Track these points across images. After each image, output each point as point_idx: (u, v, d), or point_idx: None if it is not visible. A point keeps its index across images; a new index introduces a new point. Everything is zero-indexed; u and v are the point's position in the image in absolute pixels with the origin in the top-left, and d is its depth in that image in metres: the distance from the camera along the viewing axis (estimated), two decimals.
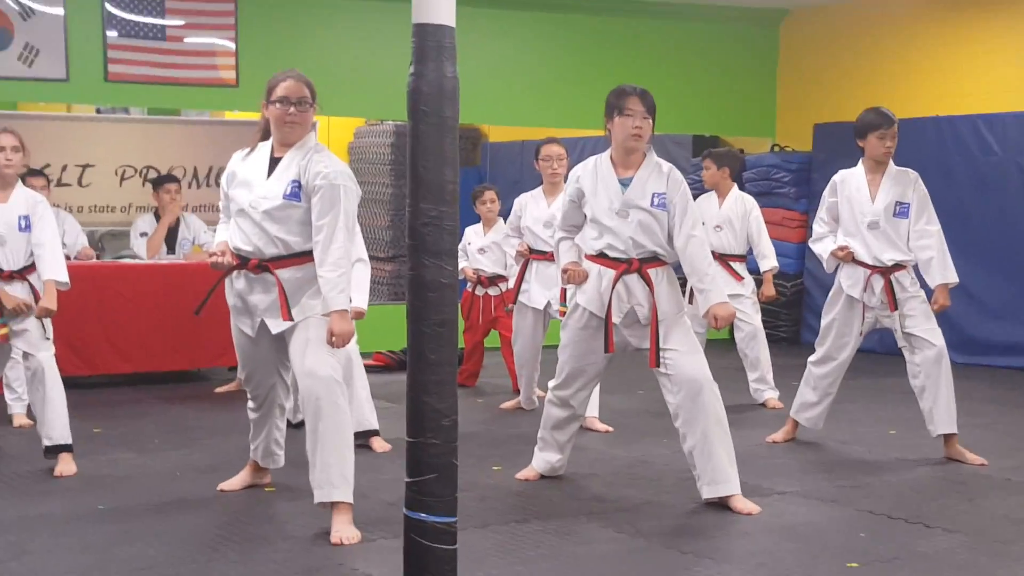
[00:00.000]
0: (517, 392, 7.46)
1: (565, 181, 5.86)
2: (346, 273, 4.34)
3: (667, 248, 4.89)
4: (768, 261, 7.49)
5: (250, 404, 4.93)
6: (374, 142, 13.07)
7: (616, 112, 4.86)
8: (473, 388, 8.09)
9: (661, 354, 4.82)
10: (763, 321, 7.74)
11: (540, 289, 6.91)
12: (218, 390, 7.88)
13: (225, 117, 10.93)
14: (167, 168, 9.38)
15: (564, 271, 5.05)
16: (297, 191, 4.45)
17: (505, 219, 7.45)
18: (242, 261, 4.57)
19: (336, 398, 4.37)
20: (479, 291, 7.90)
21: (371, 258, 7.33)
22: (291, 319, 4.49)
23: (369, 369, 6.46)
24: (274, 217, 4.48)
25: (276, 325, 4.55)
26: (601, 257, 4.93)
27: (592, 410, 6.52)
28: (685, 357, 4.80)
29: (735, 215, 7.53)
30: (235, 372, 7.91)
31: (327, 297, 4.32)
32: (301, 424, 6.15)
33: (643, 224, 4.85)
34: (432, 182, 3.93)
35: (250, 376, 4.81)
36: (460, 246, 7.62)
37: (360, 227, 5.41)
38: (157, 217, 8.45)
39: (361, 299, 5.70)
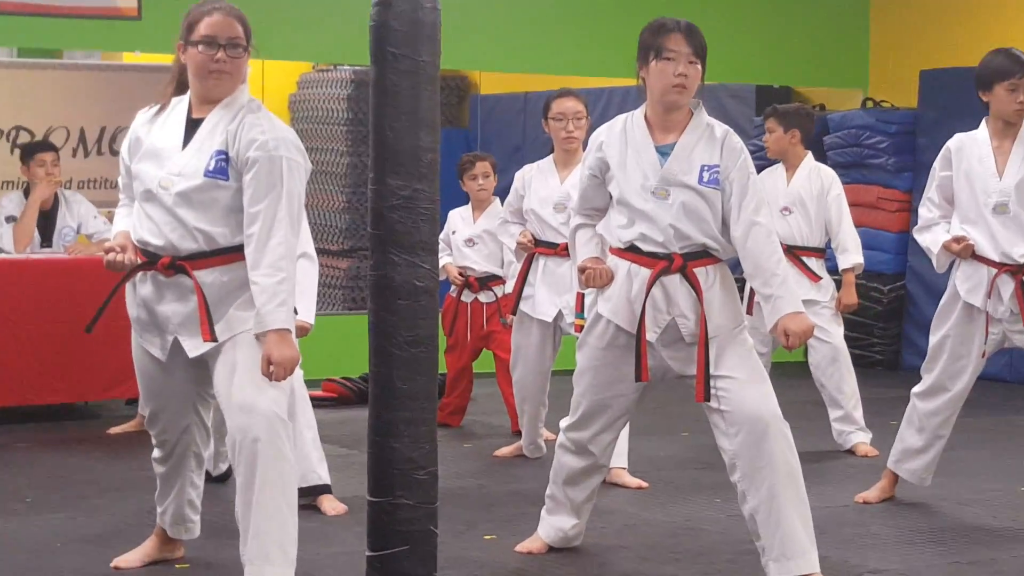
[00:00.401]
0: (517, 434, 7.44)
1: (584, 148, 5.83)
2: (289, 279, 4.38)
3: (721, 239, 4.91)
4: (849, 256, 7.50)
5: (156, 453, 4.93)
6: (324, 95, 13.06)
7: (653, 55, 4.87)
8: (458, 428, 8.08)
9: (712, 383, 4.83)
10: (848, 338, 7.74)
11: (548, 295, 6.90)
12: (112, 431, 7.86)
13: (124, 60, 10.88)
14: (43, 131, 9.39)
15: (582, 270, 5.05)
16: (224, 166, 4.48)
17: (503, 200, 7.42)
18: (149, 259, 4.58)
19: (279, 442, 4.40)
20: (466, 297, 7.88)
21: (320, 252, 7.33)
22: (214, 339, 4.52)
23: (317, 403, 6.46)
24: (193, 201, 4.50)
25: (194, 346, 4.58)
26: (632, 251, 4.95)
27: (619, 459, 6.47)
28: (745, 388, 4.83)
29: (809, 194, 7.54)
30: (136, 407, 7.82)
31: (262, 312, 4.36)
32: (225, 477, 6.27)
33: (688, 207, 4.87)
34: (404, 150, 3.92)
35: (157, 414, 4.81)
36: (442, 236, 7.49)
37: (306, 211, 5.42)
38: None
39: (307, 309, 5.70)
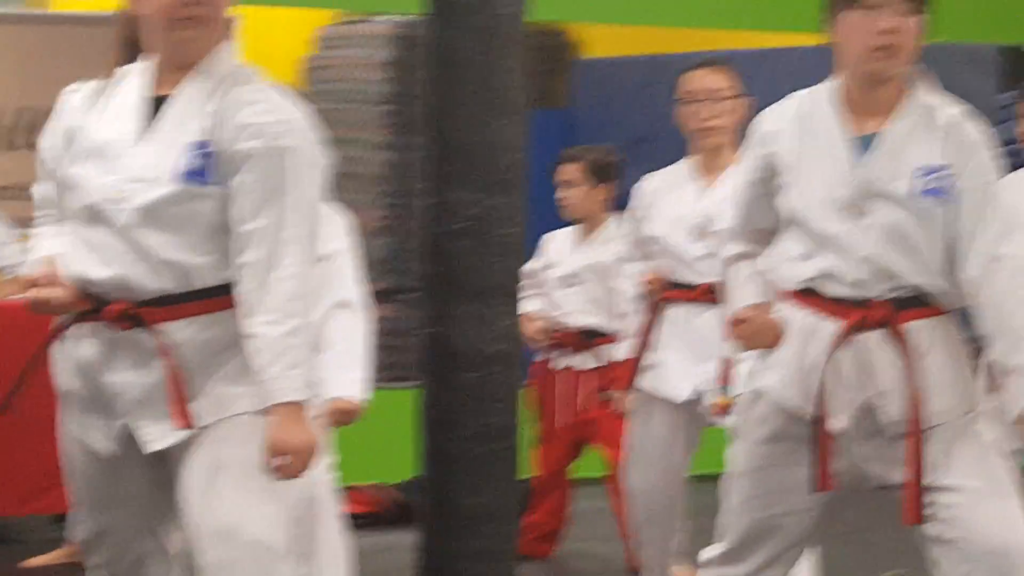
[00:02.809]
0: (635, 574, 7.48)
1: (738, 141, 5.98)
2: (303, 328, 4.41)
3: (944, 280, 4.93)
4: None
5: None
6: (354, 59, 13.08)
7: (845, 1, 4.91)
8: (548, 561, 8.11)
9: (930, 498, 4.85)
10: None
11: (682, 363, 6.91)
12: (31, 563, 8.05)
13: (48, 10, 11.11)
14: None
15: (735, 323, 5.11)
16: (203, 165, 4.49)
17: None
18: (93, 305, 4.58)
19: None
20: (562, 362, 8.01)
21: None
22: (189, 424, 4.52)
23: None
24: (160, 219, 4.50)
25: (157, 435, 4.56)
26: (811, 296, 4.98)
27: None
28: (981, 505, 4.84)
29: None
30: (64, 528, 7.93)
31: (265, 377, 4.39)
32: None
33: (896, 231, 4.91)
34: (474, 146, 3.91)
35: (99, 537, 4.78)
36: (528, 267, 7.62)
37: None
38: None
39: (353, 379, 5.70)
